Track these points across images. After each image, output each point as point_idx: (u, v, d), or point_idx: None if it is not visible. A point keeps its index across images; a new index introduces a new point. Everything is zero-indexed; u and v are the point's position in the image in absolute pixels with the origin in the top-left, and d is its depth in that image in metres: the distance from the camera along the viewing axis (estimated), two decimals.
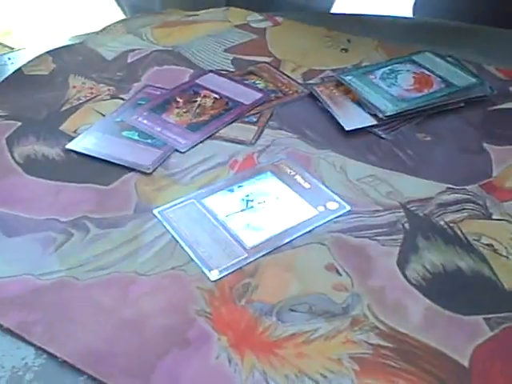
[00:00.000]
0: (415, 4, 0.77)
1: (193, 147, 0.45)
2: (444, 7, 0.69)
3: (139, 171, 0.42)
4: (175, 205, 0.40)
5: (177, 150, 0.44)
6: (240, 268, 0.35)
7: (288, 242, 0.37)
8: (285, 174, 0.43)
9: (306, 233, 0.38)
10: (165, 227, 0.38)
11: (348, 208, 0.40)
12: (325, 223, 0.39)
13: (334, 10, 0.88)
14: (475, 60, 0.56)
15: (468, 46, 0.58)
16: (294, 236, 0.38)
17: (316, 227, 0.38)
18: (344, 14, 0.67)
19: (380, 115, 0.47)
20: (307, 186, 0.42)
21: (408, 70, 0.53)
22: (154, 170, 0.42)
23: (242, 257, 0.36)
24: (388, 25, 0.63)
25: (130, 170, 0.43)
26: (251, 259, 0.36)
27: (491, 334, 0.32)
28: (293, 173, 0.43)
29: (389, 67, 0.53)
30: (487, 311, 0.33)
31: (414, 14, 0.76)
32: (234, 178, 0.42)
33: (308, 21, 0.64)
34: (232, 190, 0.41)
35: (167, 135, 0.46)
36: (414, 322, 0.32)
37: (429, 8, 0.73)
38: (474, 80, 0.51)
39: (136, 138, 0.45)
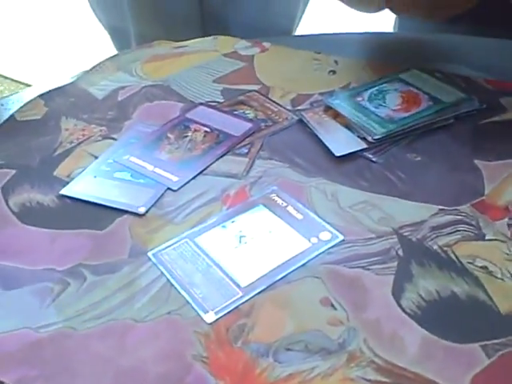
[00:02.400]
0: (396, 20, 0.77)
1: (185, 184, 0.45)
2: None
3: (133, 213, 0.43)
4: (169, 246, 0.40)
5: (169, 189, 0.45)
6: (236, 308, 0.35)
7: (282, 278, 0.37)
8: (277, 206, 0.43)
9: (300, 266, 0.38)
10: (160, 270, 0.38)
11: (341, 238, 0.40)
12: (318, 255, 0.39)
13: (312, 31, 0.88)
14: (463, 73, 0.56)
15: (454, 59, 0.59)
16: (289, 271, 0.38)
17: (310, 260, 0.38)
18: (329, 34, 0.67)
19: (369, 138, 0.47)
20: (300, 216, 0.42)
21: (395, 90, 0.53)
22: (147, 211, 0.43)
23: (237, 296, 0.36)
24: (373, 42, 0.63)
25: (124, 212, 0.43)
26: (246, 298, 0.36)
27: (488, 361, 0.32)
28: (285, 204, 0.43)
29: (376, 87, 0.53)
30: (484, 338, 0.33)
31: (394, 29, 0.76)
32: (226, 213, 0.42)
33: (295, 44, 0.64)
34: (225, 227, 0.41)
35: (159, 173, 0.46)
36: (411, 354, 0.32)
37: (411, 22, 0.73)
38: (462, 95, 0.51)
39: (128, 178, 0.46)
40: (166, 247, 0.40)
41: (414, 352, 0.32)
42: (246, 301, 0.35)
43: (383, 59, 0.60)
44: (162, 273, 0.38)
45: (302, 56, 0.62)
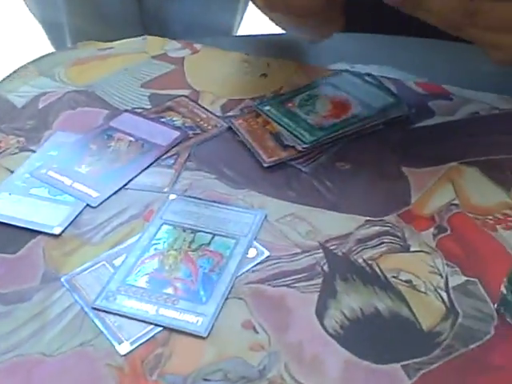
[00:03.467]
0: None
1: (106, 200, 0.43)
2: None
3: (48, 234, 0.41)
4: (85, 270, 0.38)
5: (89, 205, 0.43)
6: (153, 337, 0.34)
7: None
8: None
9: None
10: (73, 297, 0.36)
11: (267, 254, 0.39)
12: (243, 273, 0.38)
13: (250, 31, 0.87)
14: (394, 75, 0.56)
15: (387, 61, 0.58)
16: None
17: (236, 277, 0.37)
18: (264, 35, 0.65)
19: (298, 147, 0.46)
20: None
21: (326, 95, 0.52)
22: (63, 231, 0.41)
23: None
24: (306, 42, 0.62)
25: (39, 233, 0.41)
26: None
27: (410, 382, 0.31)
28: None
29: (307, 93, 0.52)
30: (405, 357, 0.32)
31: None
32: (147, 232, 0.41)
33: (229, 45, 0.62)
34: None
35: (78, 189, 0.44)
36: (333, 378, 0.31)
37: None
38: (391, 99, 0.51)
39: (46, 195, 0.43)
40: (81, 271, 0.38)
41: (336, 376, 0.31)
42: (164, 328, 0.34)
43: (316, 60, 0.59)
44: (75, 300, 0.36)
45: (233, 58, 0.60)
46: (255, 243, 0.39)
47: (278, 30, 0.66)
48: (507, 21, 0.41)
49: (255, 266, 0.38)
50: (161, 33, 0.79)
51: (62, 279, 0.37)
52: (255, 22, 0.96)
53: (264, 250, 0.39)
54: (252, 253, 0.39)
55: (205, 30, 0.85)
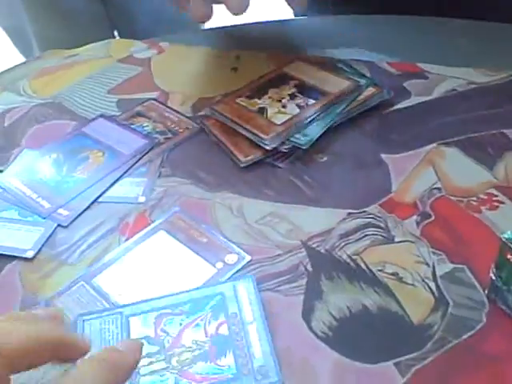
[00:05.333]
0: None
1: (78, 217, 0.42)
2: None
3: (23, 257, 0.39)
4: (64, 291, 0.37)
5: (60, 225, 0.41)
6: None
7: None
8: (179, 230, 0.40)
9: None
10: None
11: (248, 258, 0.38)
12: (225, 281, 0.36)
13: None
14: (365, 57, 0.55)
15: (354, 43, 0.56)
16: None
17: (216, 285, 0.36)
18: (231, 26, 0.63)
19: (267, 147, 0.45)
20: (204, 239, 0.39)
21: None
22: (37, 253, 0.39)
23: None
24: (274, 31, 0.60)
25: (14, 257, 0.39)
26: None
27: (403, 381, 0.30)
28: (187, 227, 0.40)
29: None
30: (397, 354, 0.31)
31: (295, 16, 0.73)
32: (124, 247, 0.39)
33: (196, 41, 0.61)
34: (123, 262, 0.38)
35: (46, 207, 0.42)
36: (324, 382, 0.31)
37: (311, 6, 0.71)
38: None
39: (16, 217, 0.42)
40: (61, 293, 0.36)
41: (327, 380, 0.30)
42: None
43: (284, 49, 0.57)
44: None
45: (202, 54, 0.58)
46: (235, 247, 0.38)
47: (245, 20, 0.64)
48: None
49: (237, 272, 0.37)
50: (129, 29, 0.78)
51: (42, 303, 0.36)
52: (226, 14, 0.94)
53: (245, 254, 0.38)
54: (232, 258, 0.38)
55: (174, 23, 0.83)
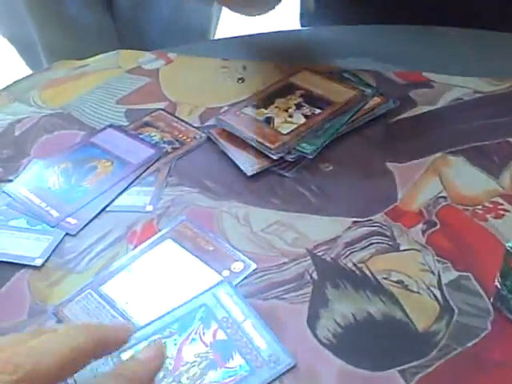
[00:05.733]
0: (302, 17, 0.75)
1: (86, 226, 0.42)
2: (332, 14, 0.68)
3: (31, 265, 0.40)
4: (71, 299, 0.37)
5: (68, 234, 0.42)
6: None
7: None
8: (186, 239, 0.40)
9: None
10: None
11: (254, 266, 0.38)
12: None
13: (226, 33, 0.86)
14: (372, 67, 0.55)
15: (361, 53, 0.57)
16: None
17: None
18: (239, 37, 0.64)
19: (273, 157, 0.45)
20: (210, 248, 0.40)
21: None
22: (45, 262, 0.40)
23: None
24: (281, 42, 0.61)
25: (23, 266, 0.40)
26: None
27: None
28: (194, 235, 0.41)
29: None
30: (401, 362, 0.31)
31: (302, 26, 0.74)
32: (132, 255, 0.39)
33: (204, 52, 0.61)
34: (130, 270, 0.39)
35: (55, 216, 0.43)
36: None
37: (317, 16, 0.71)
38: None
39: (25, 226, 0.42)
40: (68, 301, 0.37)
41: None
42: None
43: (291, 59, 0.58)
44: None
45: (209, 65, 0.59)
46: (241, 255, 0.39)
47: (254, 31, 0.65)
48: None
49: (243, 280, 0.37)
50: (137, 41, 0.78)
51: (50, 311, 0.36)
52: (234, 25, 0.95)
53: (251, 262, 0.38)
54: (239, 266, 0.38)
55: (181, 35, 0.84)
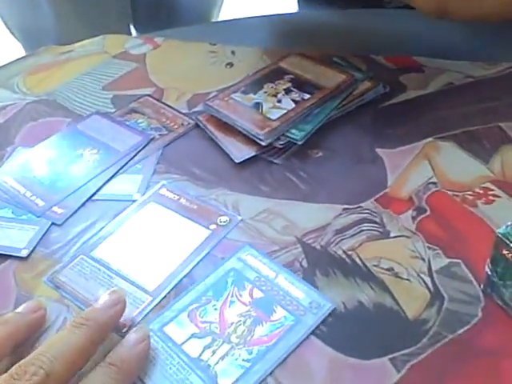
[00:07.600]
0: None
1: (72, 215, 0.42)
2: None
3: (17, 256, 0.39)
4: (65, 266, 0.37)
5: (54, 223, 0.41)
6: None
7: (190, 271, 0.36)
8: (169, 201, 0.41)
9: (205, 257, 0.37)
10: (60, 293, 0.36)
11: (239, 218, 0.39)
12: (221, 240, 0.37)
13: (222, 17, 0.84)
14: (364, 52, 0.54)
15: (354, 36, 0.56)
16: (193, 263, 0.36)
17: (213, 247, 0.37)
18: (228, 21, 0.63)
19: (262, 143, 0.44)
20: (194, 206, 0.40)
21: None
22: (31, 252, 0.39)
23: (147, 301, 0.34)
24: (273, 25, 0.60)
25: (8, 257, 0.39)
26: (157, 301, 0.34)
27: (398, 376, 0.30)
28: (177, 197, 0.41)
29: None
30: (392, 350, 0.31)
31: (299, 8, 0.73)
32: (117, 220, 0.40)
33: (192, 36, 0.60)
34: (119, 234, 0.39)
35: (40, 205, 0.42)
36: (319, 379, 0.30)
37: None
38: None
39: (10, 215, 0.42)
40: (62, 268, 0.37)
41: (322, 377, 0.30)
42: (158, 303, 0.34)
43: (280, 43, 0.57)
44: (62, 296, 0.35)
45: (197, 49, 0.58)
46: (226, 210, 0.40)
47: (240, 15, 0.64)
48: None
49: (231, 230, 0.37)
50: (150, 23, 0.76)
51: (43, 279, 0.37)
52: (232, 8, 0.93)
53: (235, 214, 0.39)
54: (225, 219, 0.39)
55: (188, 15, 0.82)
